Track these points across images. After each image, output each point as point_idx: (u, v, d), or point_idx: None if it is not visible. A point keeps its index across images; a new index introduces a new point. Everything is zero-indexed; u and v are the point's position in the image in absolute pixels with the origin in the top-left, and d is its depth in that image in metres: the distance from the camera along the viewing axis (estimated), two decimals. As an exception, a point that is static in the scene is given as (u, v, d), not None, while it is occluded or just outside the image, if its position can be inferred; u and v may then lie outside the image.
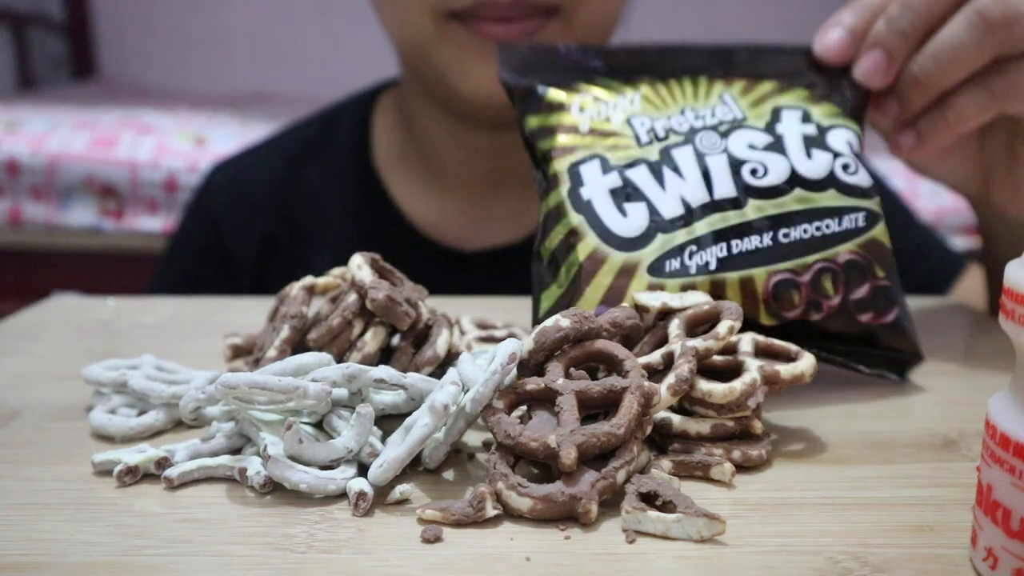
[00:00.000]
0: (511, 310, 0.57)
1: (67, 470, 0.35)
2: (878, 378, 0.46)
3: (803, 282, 0.44)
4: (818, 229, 0.45)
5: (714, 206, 0.45)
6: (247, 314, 0.58)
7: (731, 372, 0.37)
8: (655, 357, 0.37)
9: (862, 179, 0.46)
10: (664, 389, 0.34)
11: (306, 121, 0.83)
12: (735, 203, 0.45)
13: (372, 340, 0.40)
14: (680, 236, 0.44)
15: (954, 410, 0.42)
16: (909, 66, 0.48)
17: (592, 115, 0.48)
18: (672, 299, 0.40)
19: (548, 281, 0.45)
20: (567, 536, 0.30)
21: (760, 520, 0.31)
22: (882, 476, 0.35)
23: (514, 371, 0.34)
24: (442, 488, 0.34)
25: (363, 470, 0.33)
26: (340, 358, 0.39)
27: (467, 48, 0.63)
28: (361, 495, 0.31)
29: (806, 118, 0.48)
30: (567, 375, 0.34)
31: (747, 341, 0.38)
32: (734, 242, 0.45)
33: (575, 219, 0.45)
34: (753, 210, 0.45)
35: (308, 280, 0.43)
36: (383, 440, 0.36)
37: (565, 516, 0.31)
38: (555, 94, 0.48)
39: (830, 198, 0.45)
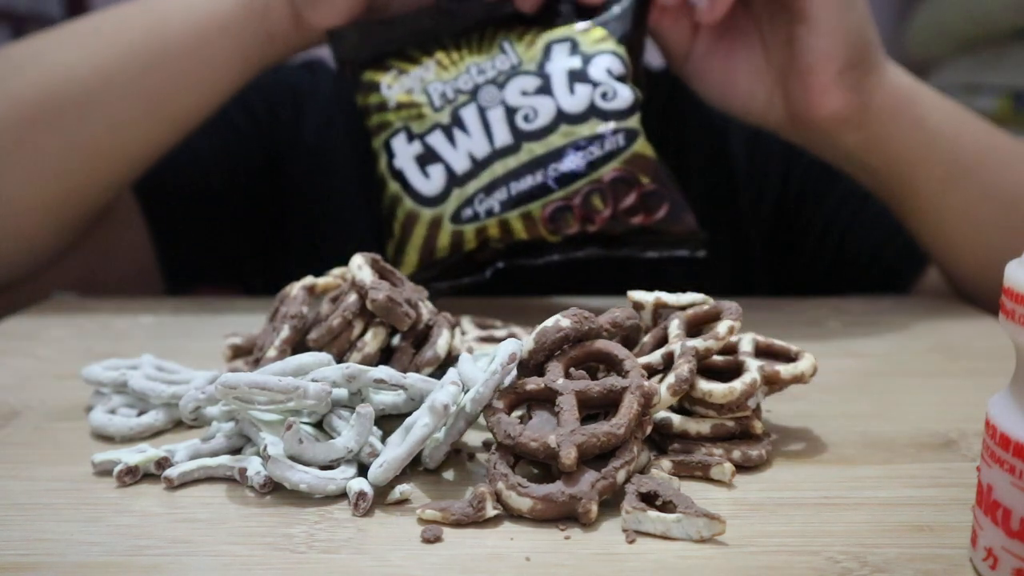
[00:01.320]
0: (511, 310, 0.57)
1: (67, 470, 0.35)
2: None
3: (575, 205, 0.53)
4: (583, 157, 0.53)
5: (494, 155, 0.53)
6: (247, 314, 0.58)
7: (731, 372, 0.37)
8: (655, 357, 0.37)
9: (620, 102, 0.53)
10: (664, 389, 0.34)
11: None
12: (511, 149, 0.53)
13: (372, 340, 0.40)
14: (470, 188, 0.53)
15: (954, 410, 0.42)
16: None
17: (397, 91, 0.56)
18: (668, 296, 0.40)
19: (387, 235, 0.56)
20: (567, 536, 0.30)
21: (760, 520, 0.31)
22: (882, 476, 0.35)
23: (514, 371, 0.34)
24: (442, 488, 0.34)
25: (363, 470, 0.33)
26: (340, 358, 0.39)
27: None
28: (361, 495, 0.31)
29: (574, 49, 0.55)
30: (567, 375, 0.34)
31: (747, 341, 0.38)
32: (512, 184, 0.53)
33: (393, 187, 0.55)
34: (526, 153, 0.53)
35: (308, 280, 0.43)
36: (383, 440, 0.36)
37: (565, 516, 0.31)
38: (369, 75, 0.57)
39: (591, 127, 0.53)
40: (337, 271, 0.44)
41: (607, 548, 0.29)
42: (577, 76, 0.53)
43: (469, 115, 0.54)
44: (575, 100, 0.53)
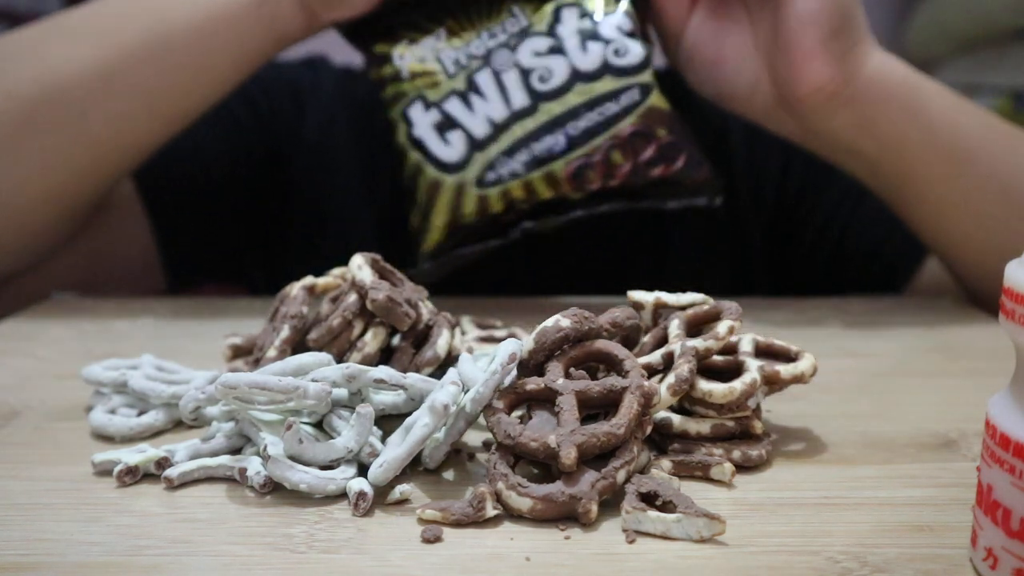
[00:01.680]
0: (511, 310, 0.57)
1: (67, 470, 0.35)
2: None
3: (596, 161, 0.54)
4: (600, 114, 0.54)
5: (512, 118, 0.54)
6: (247, 314, 0.58)
7: (731, 372, 0.37)
8: (655, 357, 0.37)
9: (632, 57, 0.54)
10: (664, 389, 0.34)
11: None
12: (529, 111, 0.54)
13: (372, 340, 0.40)
14: (492, 152, 0.54)
15: (954, 410, 0.42)
16: None
17: (409, 60, 0.56)
18: (668, 296, 0.40)
19: (410, 204, 0.57)
20: (567, 536, 0.30)
21: (760, 520, 0.31)
22: (882, 476, 0.35)
23: (514, 371, 0.34)
24: (442, 488, 0.34)
25: (363, 470, 0.33)
26: (340, 358, 0.39)
27: None
28: (361, 495, 0.31)
29: (582, 12, 0.56)
30: (567, 375, 0.34)
31: (747, 341, 0.38)
32: (533, 145, 0.54)
33: (414, 156, 0.55)
34: (544, 113, 0.54)
35: (308, 280, 0.43)
36: (383, 440, 0.36)
37: (565, 516, 0.31)
38: (381, 47, 0.57)
39: (606, 84, 0.54)
40: (337, 271, 0.44)
41: (607, 548, 0.29)
42: (588, 35, 0.54)
43: (484, 79, 0.55)
44: (588, 58, 0.54)
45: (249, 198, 0.74)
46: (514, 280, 0.69)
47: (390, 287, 0.40)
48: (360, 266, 0.41)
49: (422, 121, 0.55)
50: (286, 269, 0.57)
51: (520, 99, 0.54)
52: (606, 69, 0.54)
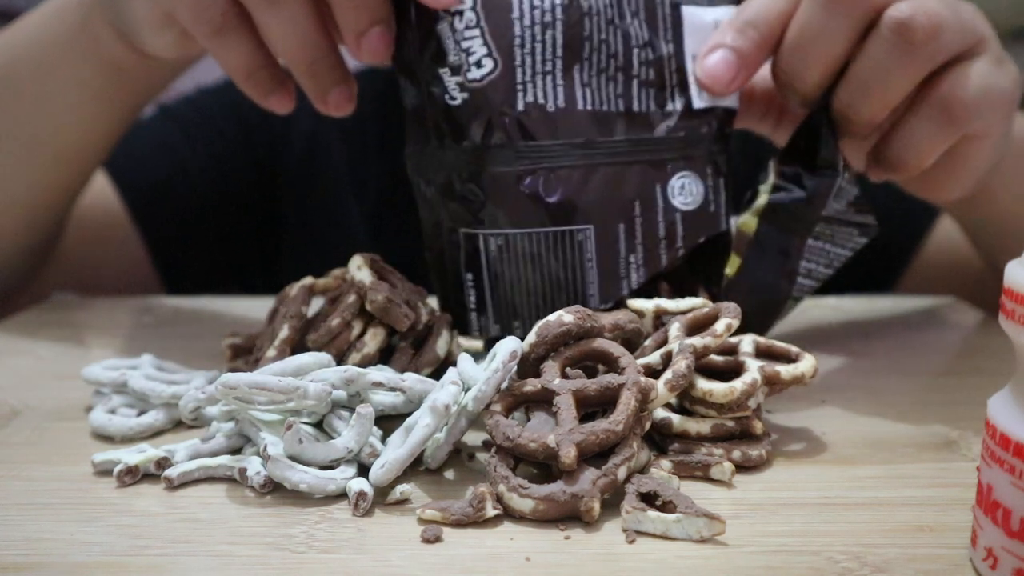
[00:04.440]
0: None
1: (67, 470, 0.35)
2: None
3: None
4: None
5: None
6: (247, 314, 0.58)
7: (731, 372, 0.37)
8: (655, 357, 0.37)
9: None
10: (661, 384, 0.34)
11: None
12: None
13: (371, 341, 0.40)
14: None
15: (954, 410, 0.42)
16: (836, 98, 0.43)
17: None
18: (668, 302, 0.40)
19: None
20: (567, 536, 0.30)
21: (760, 520, 0.31)
22: (882, 476, 0.35)
23: (515, 369, 0.34)
24: (442, 488, 0.34)
25: (363, 470, 0.33)
26: (340, 359, 0.39)
27: None
28: (361, 495, 0.31)
29: None
30: (563, 375, 0.34)
31: (747, 342, 0.38)
32: None
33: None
34: None
35: (308, 280, 0.43)
36: (383, 440, 0.36)
37: (567, 516, 0.31)
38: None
39: None
40: (337, 271, 0.44)
41: (607, 548, 0.29)
42: None
43: None
44: None
45: (241, 209, 0.74)
46: None
47: (389, 288, 0.40)
48: (359, 266, 0.41)
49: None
50: (284, 272, 0.57)
51: None
52: None
